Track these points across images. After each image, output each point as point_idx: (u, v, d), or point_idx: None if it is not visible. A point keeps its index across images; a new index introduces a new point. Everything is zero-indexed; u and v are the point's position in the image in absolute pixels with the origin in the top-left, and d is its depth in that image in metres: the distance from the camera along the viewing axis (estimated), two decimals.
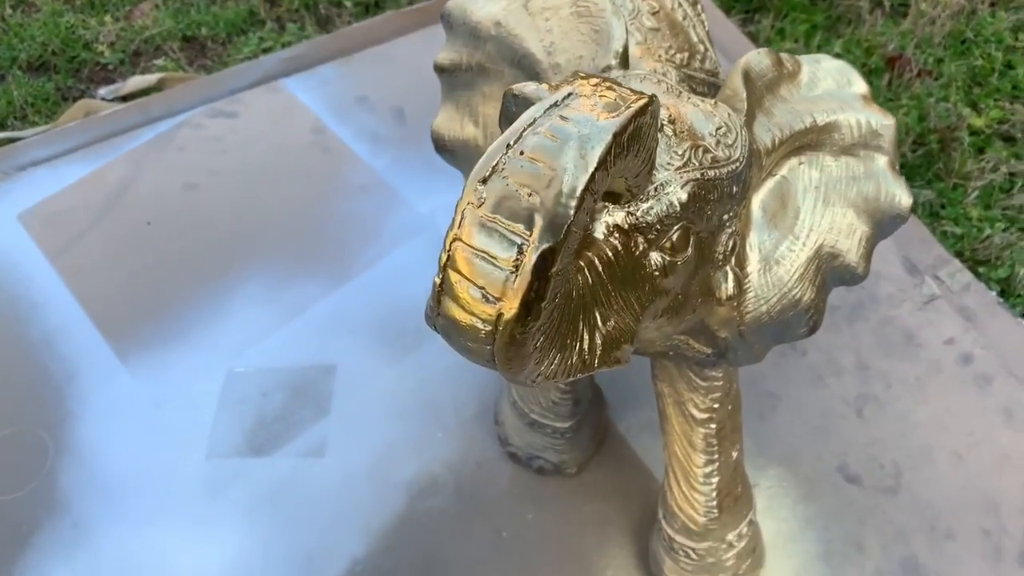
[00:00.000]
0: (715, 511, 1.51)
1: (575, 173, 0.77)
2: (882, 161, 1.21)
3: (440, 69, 1.34)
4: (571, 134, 0.79)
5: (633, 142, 0.84)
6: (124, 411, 1.89)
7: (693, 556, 1.56)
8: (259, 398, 1.92)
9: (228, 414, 1.89)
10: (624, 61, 1.08)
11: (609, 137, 0.79)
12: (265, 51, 2.72)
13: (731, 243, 1.09)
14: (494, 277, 0.78)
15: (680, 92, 1.04)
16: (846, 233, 1.19)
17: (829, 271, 1.21)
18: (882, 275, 2.08)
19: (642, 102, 0.83)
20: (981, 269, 2.11)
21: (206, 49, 2.78)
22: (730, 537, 1.55)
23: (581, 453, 1.79)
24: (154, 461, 1.83)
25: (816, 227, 1.18)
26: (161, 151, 2.32)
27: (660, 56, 1.22)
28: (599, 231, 0.93)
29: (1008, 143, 2.34)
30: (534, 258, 0.77)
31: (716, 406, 1.44)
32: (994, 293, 2.06)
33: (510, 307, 0.78)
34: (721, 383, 1.42)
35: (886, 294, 2.05)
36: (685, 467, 1.50)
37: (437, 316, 0.84)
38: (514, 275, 0.78)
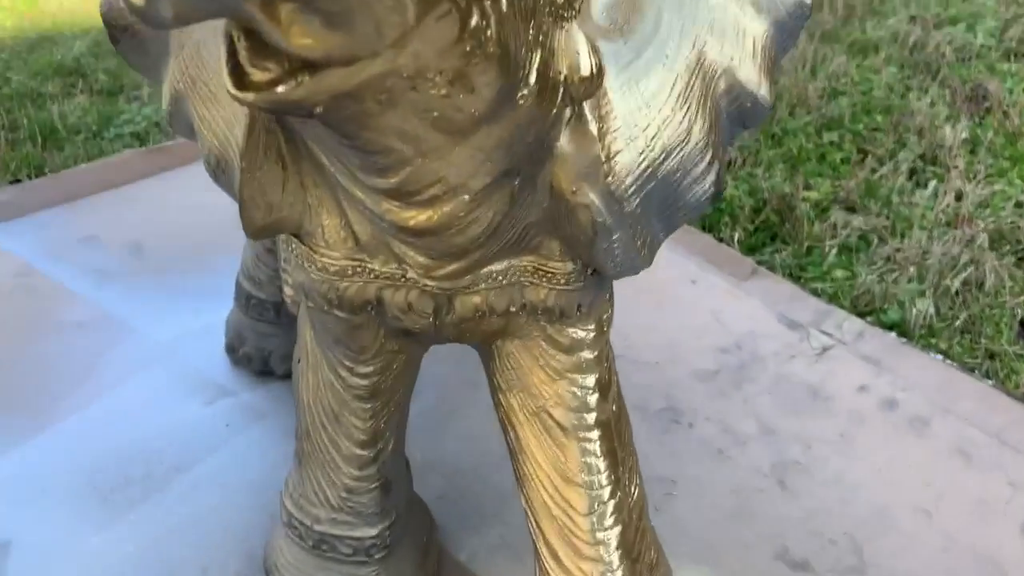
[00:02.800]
0: None
1: None
2: None
3: None
4: None
5: None
6: None
7: None
8: None
9: None
10: None
11: None
12: None
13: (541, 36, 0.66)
14: None
15: None
16: (733, 34, 0.77)
17: (720, 97, 0.78)
18: (759, 333, 1.67)
19: None
20: (868, 319, 1.74)
21: None
22: None
23: None
24: None
25: (689, 27, 0.76)
26: None
27: None
28: None
29: (849, 211, 2.10)
30: None
31: (593, 398, 0.91)
32: (893, 334, 1.69)
33: None
34: (593, 355, 0.90)
35: (770, 351, 1.63)
36: (562, 523, 0.92)
37: None
38: None
